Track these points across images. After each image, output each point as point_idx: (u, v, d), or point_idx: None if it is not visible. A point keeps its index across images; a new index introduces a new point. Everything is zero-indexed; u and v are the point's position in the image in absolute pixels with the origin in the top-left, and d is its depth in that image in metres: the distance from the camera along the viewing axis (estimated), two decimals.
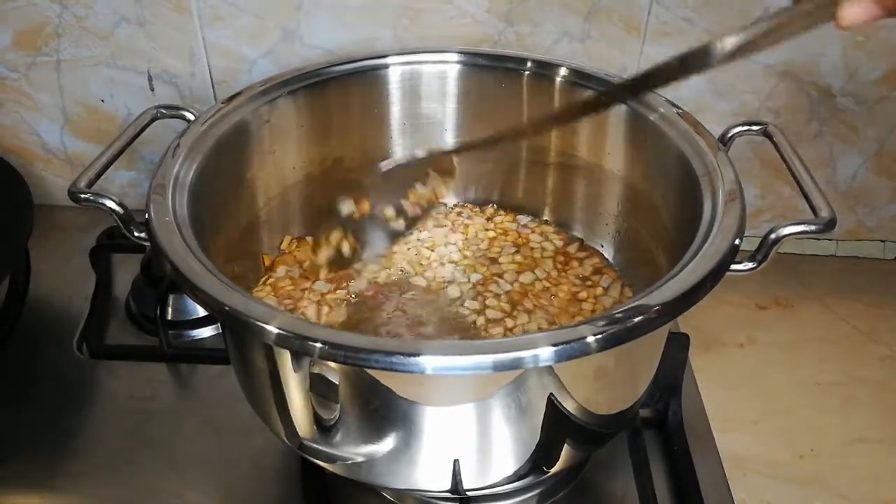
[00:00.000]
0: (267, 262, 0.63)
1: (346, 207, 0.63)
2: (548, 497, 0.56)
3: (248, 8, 0.71)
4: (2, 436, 0.60)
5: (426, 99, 0.65)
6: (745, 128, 0.56)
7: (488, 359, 0.37)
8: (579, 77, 0.61)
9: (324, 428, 0.45)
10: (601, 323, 0.38)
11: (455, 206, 0.70)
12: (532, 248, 0.65)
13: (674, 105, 0.57)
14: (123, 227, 0.47)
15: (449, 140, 0.68)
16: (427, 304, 0.59)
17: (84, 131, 0.80)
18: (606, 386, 0.46)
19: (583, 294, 0.60)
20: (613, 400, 0.48)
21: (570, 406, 0.44)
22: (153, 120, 0.57)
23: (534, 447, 0.45)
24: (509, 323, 0.56)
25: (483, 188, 0.70)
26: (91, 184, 0.48)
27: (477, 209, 0.70)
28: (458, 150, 0.63)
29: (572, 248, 0.66)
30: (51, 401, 0.62)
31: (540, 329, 0.57)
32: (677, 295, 0.40)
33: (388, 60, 0.64)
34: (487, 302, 0.59)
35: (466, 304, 0.58)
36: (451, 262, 0.63)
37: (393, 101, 0.65)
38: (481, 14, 0.70)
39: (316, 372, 0.42)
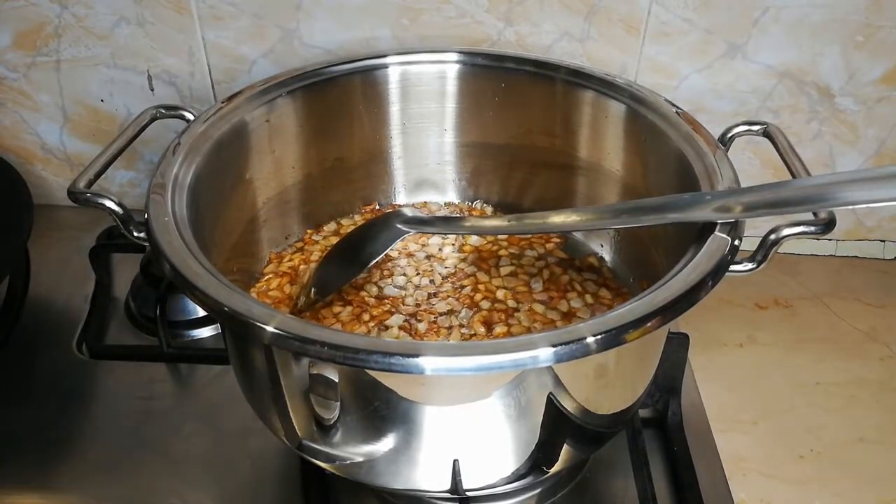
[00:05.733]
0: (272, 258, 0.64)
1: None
2: (548, 497, 0.56)
3: (248, 8, 0.71)
4: (2, 436, 0.60)
5: (426, 99, 0.65)
6: (745, 128, 0.56)
7: (488, 359, 0.37)
8: (579, 77, 0.61)
9: (323, 428, 0.45)
10: (601, 323, 0.38)
11: (455, 205, 0.70)
12: (530, 250, 0.65)
13: (673, 105, 0.57)
14: (123, 227, 0.47)
15: (448, 140, 0.68)
16: (424, 304, 0.59)
17: (84, 131, 0.80)
18: (606, 386, 0.46)
19: (580, 295, 0.60)
20: (613, 400, 0.48)
21: (569, 406, 0.44)
22: (153, 120, 0.57)
23: (533, 447, 0.45)
24: (502, 329, 0.56)
25: (483, 188, 0.70)
26: (90, 184, 0.48)
27: (476, 209, 0.70)
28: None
29: (570, 249, 0.65)
30: (51, 401, 0.62)
31: (538, 329, 0.57)
32: (677, 295, 0.40)
33: (388, 60, 0.64)
34: (483, 303, 0.59)
35: (462, 312, 0.58)
36: (450, 262, 0.63)
37: (392, 101, 0.65)
38: (481, 14, 0.70)
39: (315, 372, 0.42)
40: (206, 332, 0.69)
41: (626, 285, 0.62)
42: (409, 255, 0.64)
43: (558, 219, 0.54)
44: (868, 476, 0.59)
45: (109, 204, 0.47)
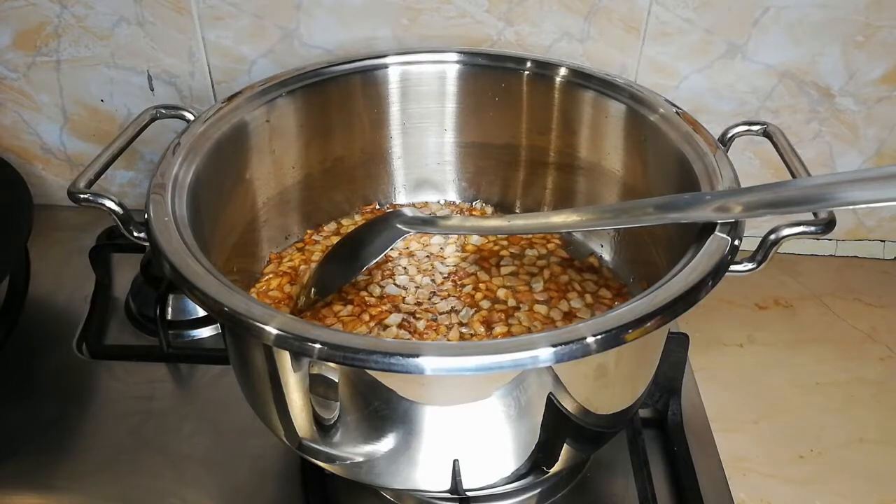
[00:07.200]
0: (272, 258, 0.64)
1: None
2: (548, 497, 0.56)
3: (248, 8, 0.71)
4: (2, 436, 0.60)
5: (426, 99, 0.65)
6: (745, 128, 0.56)
7: (488, 359, 0.37)
8: (579, 77, 0.61)
9: (323, 428, 0.45)
10: (601, 323, 0.38)
11: (455, 205, 0.71)
12: (531, 249, 0.65)
13: (673, 105, 0.57)
14: (123, 228, 0.47)
15: (448, 140, 0.68)
16: (425, 302, 0.59)
17: (84, 131, 0.80)
18: (606, 386, 0.46)
19: (580, 294, 0.60)
20: (613, 400, 0.48)
21: (569, 406, 0.44)
22: (153, 120, 0.57)
23: (533, 447, 0.45)
24: (502, 329, 0.56)
25: (483, 188, 0.70)
26: (90, 184, 0.48)
27: (476, 209, 0.70)
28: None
29: (570, 249, 0.66)
30: (50, 401, 0.62)
31: (538, 329, 0.57)
32: (677, 295, 0.40)
33: (388, 60, 0.64)
34: (483, 303, 0.59)
35: (463, 312, 0.58)
36: (451, 261, 0.63)
37: (392, 101, 0.65)
38: (481, 14, 0.70)
39: (315, 372, 0.42)
40: (206, 332, 0.69)
41: (627, 285, 0.62)
42: (411, 254, 0.64)
43: (558, 219, 0.54)
44: (868, 476, 0.59)
45: (109, 204, 0.47)
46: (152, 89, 0.77)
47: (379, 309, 0.58)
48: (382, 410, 0.43)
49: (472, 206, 0.70)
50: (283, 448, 0.57)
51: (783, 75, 0.72)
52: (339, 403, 0.43)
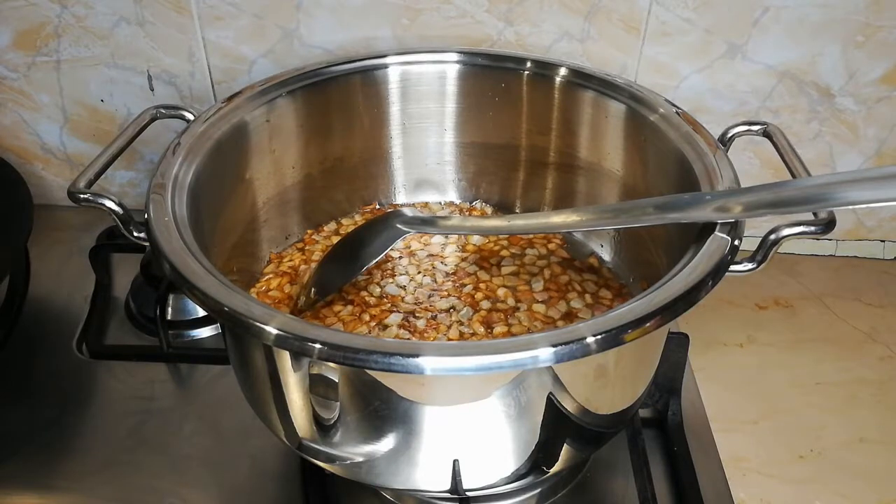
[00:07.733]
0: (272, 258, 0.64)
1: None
2: (548, 497, 0.56)
3: (248, 8, 0.71)
4: (1, 436, 0.60)
5: (426, 99, 0.65)
6: (745, 128, 0.56)
7: (488, 359, 0.37)
8: (579, 77, 0.61)
9: (323, 428, 0.45)
10: (601, 323, 0.38)
11: (455, 205, 0.71)
12: (531, 249, 0.65)
13: (673, 105, 0.57)
14: (123, 228, 0.47)
15: (448, 140, 0.68)
16: (425, 302, 0.59)
17: (84, 131, 0.80)
18: (606, 386, 0.46)
19: (580, 294, 0.60)
20: (613, 400, 0.48)
21: (569, 406, 0.44)
22: (153, 120, 0.57)
23: (533, 447, 0.45)
24: (502, 328, 0.56)
25: (483, 188, 0.70)
26: (90, 184, 0.48)
27: (476, 209, 0.70)
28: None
29: (570, 249, 0.66)
30: (50, 401, 0.62)
31: (538, 329, 0.57)
32: (677, 295, 0.40)
33: (388, 60, 0.64)
34: (483, 303, 0.59)
35: (463, 311, 0.58)
36: (451, 261, 0.63)
37: (392, 101, 0.65)
38: (481, 14, 0.70)
39: (315, 372, 0.42)
40: (206, 332, 0.69)
41: (627, 285, 0.62)
42: (411, 254, 0.64)
43: (558, 219, 0.54)
44: (868, 476, 0.59)
45: (109, 204, 0.47)
46: (152, 89, 0.77)
47: (379, 309, 0.58)
48: (382, 410, 0.43)
49: (472, 206, 0.71)
50: (283, 448, 0.57)
51: (783, 75, 0.72)
52: (339, 403, 0.43)
